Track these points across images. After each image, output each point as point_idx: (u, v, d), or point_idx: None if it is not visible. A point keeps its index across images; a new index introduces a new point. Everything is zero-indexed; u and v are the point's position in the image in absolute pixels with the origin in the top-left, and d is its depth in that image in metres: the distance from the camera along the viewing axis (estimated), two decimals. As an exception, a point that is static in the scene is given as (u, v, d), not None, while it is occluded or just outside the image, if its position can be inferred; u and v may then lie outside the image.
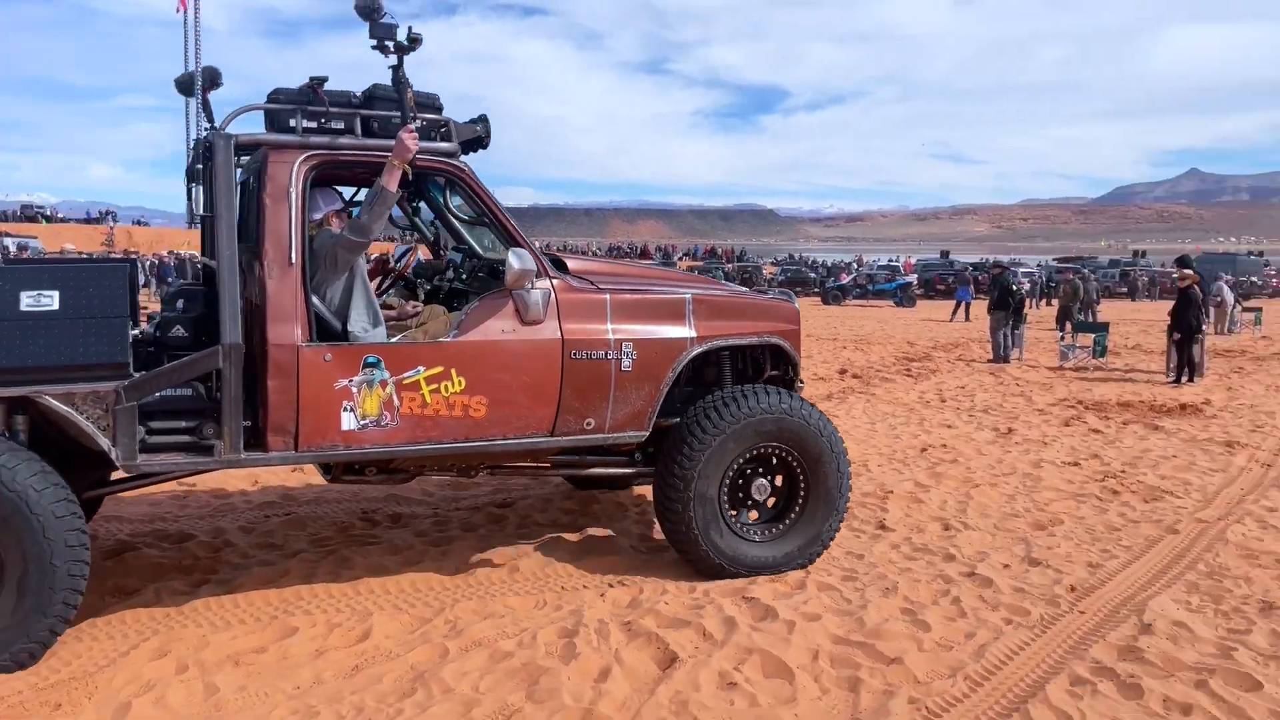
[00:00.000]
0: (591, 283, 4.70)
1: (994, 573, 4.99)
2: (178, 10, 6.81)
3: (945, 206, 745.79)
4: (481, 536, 5.51)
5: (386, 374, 4.17)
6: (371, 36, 4.03)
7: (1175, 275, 15.99)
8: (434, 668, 3.77)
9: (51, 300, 3.75)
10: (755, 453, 4.83)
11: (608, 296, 4.67)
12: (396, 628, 4.21)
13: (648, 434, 4.73)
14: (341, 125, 4.21)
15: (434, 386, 4.24)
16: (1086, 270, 37.15)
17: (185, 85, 4.64)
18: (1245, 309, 25.63)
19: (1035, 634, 4.21)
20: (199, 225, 4.39)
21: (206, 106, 4.53)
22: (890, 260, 62.93)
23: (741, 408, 4.72)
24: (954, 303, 28.78)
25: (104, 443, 3.81)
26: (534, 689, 3.62)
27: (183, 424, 4.05)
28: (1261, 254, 65.66)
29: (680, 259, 76.36)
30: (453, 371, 4.27)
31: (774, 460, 4.91)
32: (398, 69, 4.15)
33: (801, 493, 4.95)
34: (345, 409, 4.11)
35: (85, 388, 3.78)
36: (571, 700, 3.53)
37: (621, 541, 5.42)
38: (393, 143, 4.10)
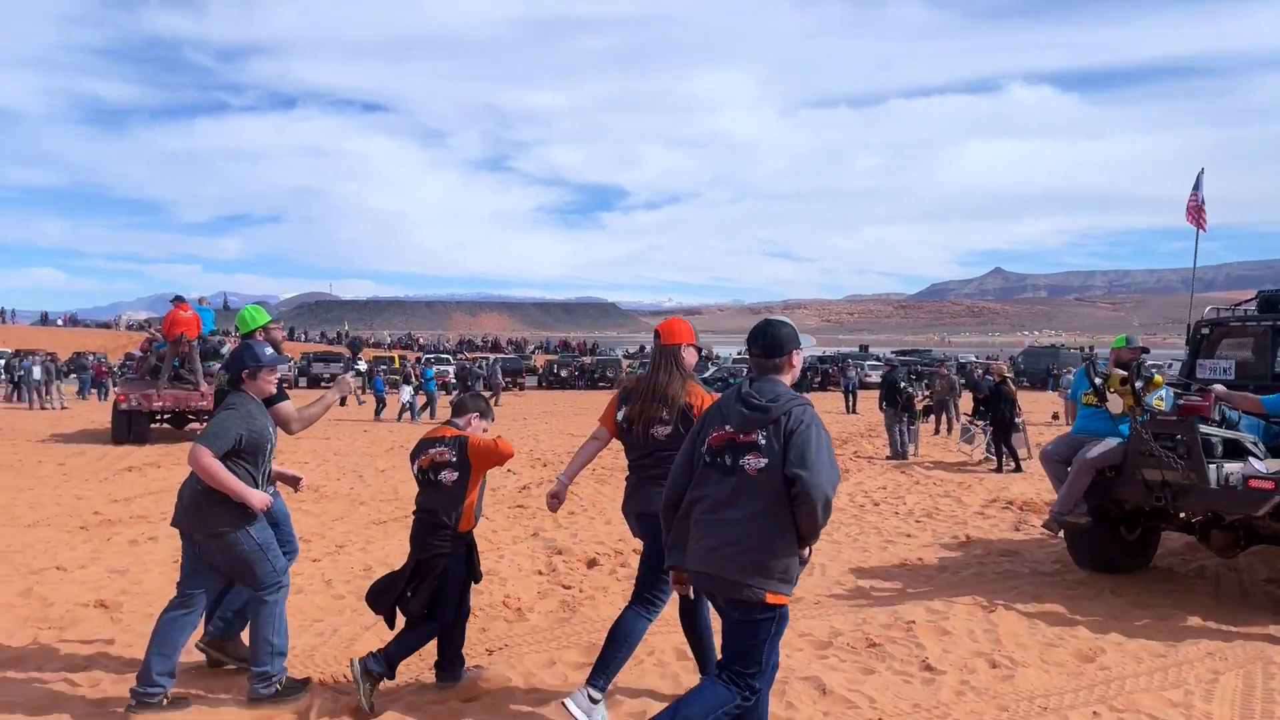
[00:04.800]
0: None
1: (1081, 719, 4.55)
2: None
3: (777, 301, 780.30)
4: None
5: None
6: None
7: (990, 370, 17.19)
8: None
9: None
10: None
11: None
12: None
13: None
14: None
15: None
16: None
17: None
18: (1091, 401, 27.33)
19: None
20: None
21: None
22: (740, 353, 64.47)
23: None
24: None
25: None
26: None
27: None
28: (1092, 349, 70.69)
29: (533, 352, 75.99)
30: None
31: None
32: None
33: None
34: None
35: None
36: None
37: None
38: None
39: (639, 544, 8.48)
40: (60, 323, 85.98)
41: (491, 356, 50.10)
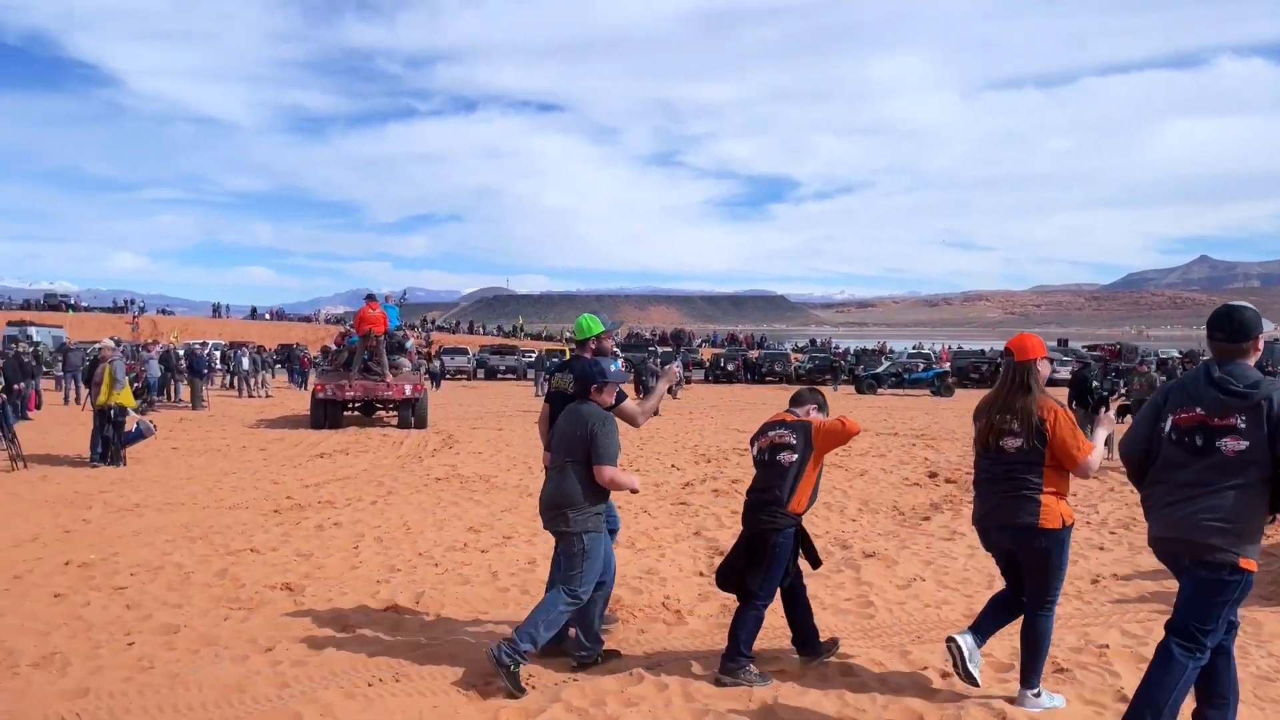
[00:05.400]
0: None
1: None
2: None
3: (956, 292, 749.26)
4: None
5: None
6: None
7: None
8: None
9: None
10: None
11: None
12: None
13: None
14: None
15: None
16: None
17: None
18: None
19: None
20: None
21: None
22: (915, 347, 62.04)
23: None
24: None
25: None
26: None
27: None
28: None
29: (700, 345, 75.89)
30: None
31: None
32: None
33: None
34: None
35: None
36: None
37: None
38: None
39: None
40: (267, 316, 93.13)
41: (661, 350, 50.67)
